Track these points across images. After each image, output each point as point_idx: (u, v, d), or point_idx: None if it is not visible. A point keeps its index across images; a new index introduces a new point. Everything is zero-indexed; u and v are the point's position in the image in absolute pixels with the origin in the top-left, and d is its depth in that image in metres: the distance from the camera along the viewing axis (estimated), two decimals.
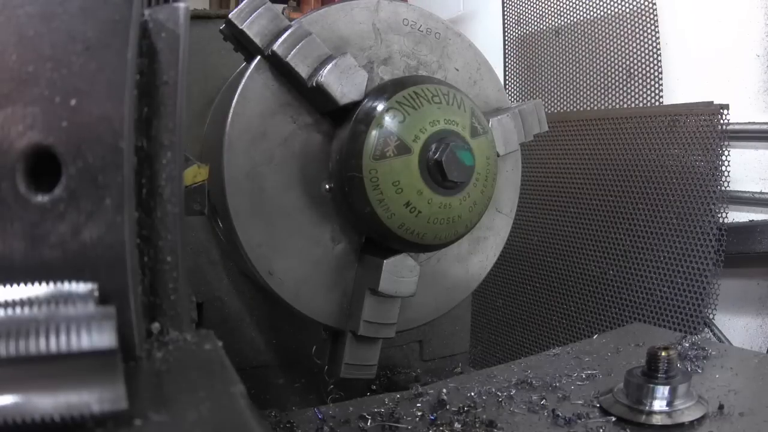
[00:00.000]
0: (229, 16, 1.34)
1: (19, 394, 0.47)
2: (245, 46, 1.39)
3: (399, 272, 1.43)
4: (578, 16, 3.06)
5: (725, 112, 2.42)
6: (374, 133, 1.33)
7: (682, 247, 2.49)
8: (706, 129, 2.46)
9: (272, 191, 1.40)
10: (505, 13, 3.51)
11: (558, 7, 3.16)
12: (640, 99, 2.78)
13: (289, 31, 1.33)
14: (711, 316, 2.48)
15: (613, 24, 2.88)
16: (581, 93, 3.06)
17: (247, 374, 1.84)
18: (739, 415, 1.14)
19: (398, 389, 1.44)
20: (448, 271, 1.64)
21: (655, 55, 2.71)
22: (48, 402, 0.47)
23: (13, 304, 0.51)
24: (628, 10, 2.81)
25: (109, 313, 0.51)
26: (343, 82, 1.34)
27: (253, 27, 1.34)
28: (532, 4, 3.33)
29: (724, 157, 2.43)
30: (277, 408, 1.41)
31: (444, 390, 1.31)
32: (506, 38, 3.51)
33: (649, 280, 2.59)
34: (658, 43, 2.70)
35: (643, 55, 2.76)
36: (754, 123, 2.49)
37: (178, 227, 0.64)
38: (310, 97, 1.39)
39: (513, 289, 3.21)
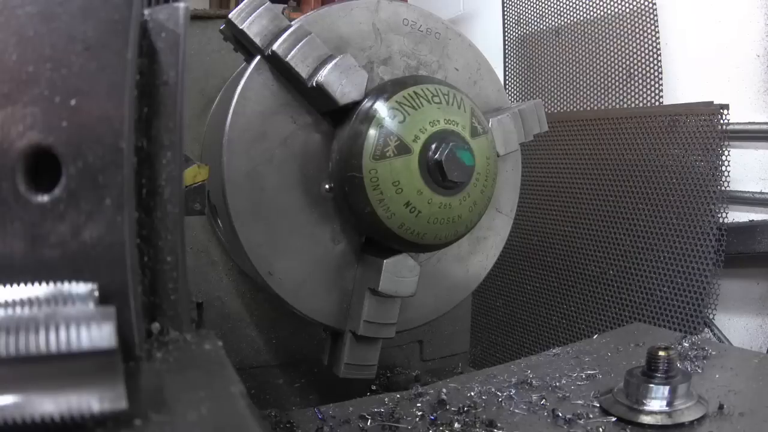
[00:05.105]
0: (229, 16, 1.34)
1: (19, 393, 0.47)
2: (245, 46, 1.39)
3: (399, 272, 1.43)
4: (578, 16, 3.06)
5: (725, 112, 2.42)
6: (374, 133, 1.33)
7: (682, 247, 2.49)
8: (706, 129, 2.46)
9: (272, 191, 1.40)
10: (505, 13, 3.51)
11: (558, 7, 3.16)
12: (640, 99, 2.78)
13: (289, 31, 1.33)
14: (711, 316, 2.48)
15: (613, 24, 2.88)
16: (581, 93, 3.06)
17: (247, 374, 1.84)
18: (739, 415, 1.13)
19: (398, 389, 1.44)
20: (448, 271, 1.64)
21: (655, 55, 2.71)
22: (48, 402, 0.47)
23: (13, 304, 0.51)
24: (628, 10, 2.81)
25: (109, 313, 0.51)
26: (343, 82, 1.34)
27: (253, 27, 1.34)
28: (532, 4, 3.33)
29: (724, 157, 2.43)
30: (277, 408, 1.41)
31: (444, 390, 1.31)
32: (506, 38, 3.51)
33: (649, 280, 2.59)
34: (658, 43, 2.70)
35: (643, 55, 2.76)
36: (754, 123, 2.49)
37: (178, 227, 0.64)
38: (310, 97, 1.39)
39: (513, 289, 3.21)
